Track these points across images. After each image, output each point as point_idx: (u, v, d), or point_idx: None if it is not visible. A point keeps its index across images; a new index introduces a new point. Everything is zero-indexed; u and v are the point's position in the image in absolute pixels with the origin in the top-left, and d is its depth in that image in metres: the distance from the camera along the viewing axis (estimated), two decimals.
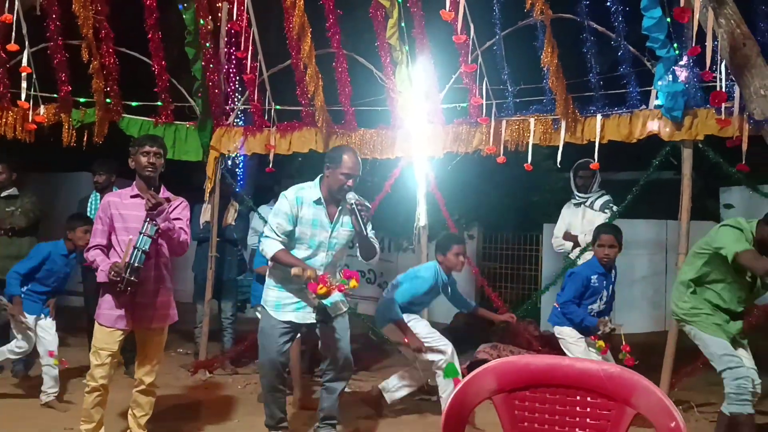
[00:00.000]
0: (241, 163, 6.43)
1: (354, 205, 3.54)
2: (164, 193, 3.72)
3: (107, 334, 3.58)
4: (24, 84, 5.32)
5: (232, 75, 5.70)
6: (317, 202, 3.69)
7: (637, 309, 8.19)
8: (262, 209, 6.28)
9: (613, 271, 4.59)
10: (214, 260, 5.94)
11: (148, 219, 3.44)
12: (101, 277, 3.51)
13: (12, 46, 4.89)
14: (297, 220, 3.65)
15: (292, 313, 3.75)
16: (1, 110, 5.47)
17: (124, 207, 3.62)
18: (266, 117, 5.80)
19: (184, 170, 6.39)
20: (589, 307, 4.49)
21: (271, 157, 5.79)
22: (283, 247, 3.63)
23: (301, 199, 3.67)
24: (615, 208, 5.39)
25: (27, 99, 5.43)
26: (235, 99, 5.92)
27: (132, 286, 3.42)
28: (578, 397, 1.66)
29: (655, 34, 4.39)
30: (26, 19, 5.13)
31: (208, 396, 5.31)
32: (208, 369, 5.84)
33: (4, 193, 5.48)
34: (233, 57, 5.66)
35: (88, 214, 5.71)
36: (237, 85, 5.79)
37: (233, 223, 6.18)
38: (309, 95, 5.41)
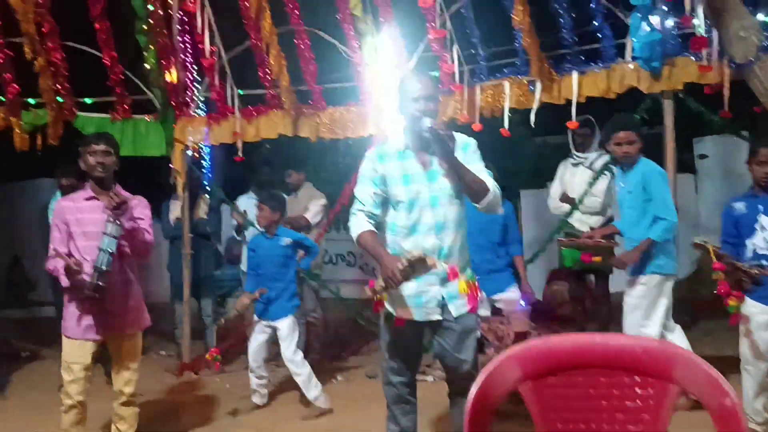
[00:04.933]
0: (207, 154, 6.14)
1: (431, 131, 2.78)
2: (121, 192, 3.49)
3: (77, 347, 3.41)
4: None
5: (189, 62, 5.38)
6: (402, 152, 2.96)
7: None
8: (240, 200, 6.05)
9: None
10: (189, 257, 5.69)
11: (111, 219, 3.23)
12: (64, 281, 3.30)
13: None
14: (384, 180, 2.97)
15: (412, 308, 2.98)
16: None
17: (79, 211, 3.43)
18: (230, 103, 5.52)
19: (144, 166, 6.12)
20: (750, 242, 3.52)
21: (239, 145, 5.53)
22: (369, 227, 2.90)
23: (383, 153, 2.98)
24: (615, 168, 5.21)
25: None
26: (195, 87, 5.62)
27: (100, 291, 3.23)
28: (614, 378, 1.49)
29: None
30: None
31: (196, 398, 5.14)
32: (193, 370, 5.63)
33: None
34: (188, 43, 5.35)
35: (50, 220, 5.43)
36: (195, 73, 5.48)
37: (205, 217, 5.95)
38: (273, 77, 5.15)
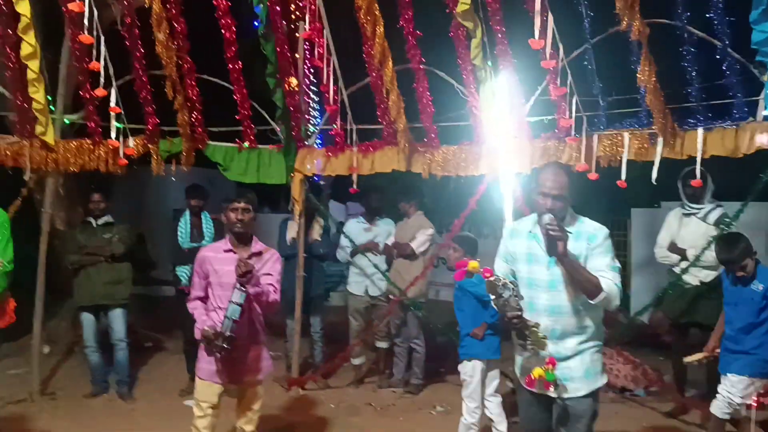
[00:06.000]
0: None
1: (546, 228, 2.88)
2: (256, 245, 3.79)
3: (206, 387, 3.72)
4: (113, 122, 5.45)
5: (312, 99, 5.65)
6: (532, 233, 3.09)
7: None
8: (349, 224, 6.32)
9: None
10: (302, 279, 6.01)
11: (237, 286, 3.45)
12: (197, 334, 3.63)
13: (101, 91, 5.00)
14: (512, 257, 3.14)
15: (522, 376, 3.16)
16: (94, 145, 5.62)
17: (218, 262, 3.71)
18: (347, 139, 5.75)
19: (268, 188, 6.45)
20: None
21: (354, 178, 5.76)
22: None
23: (515, 230, 3.15)
24: (732, 223, 5.05)
25: (117, 134, 5.57)
26: (315, 121, 5.88)
27: (224, 352, 3.48)
28: None
29: (766, 49, 4.04)
30: (109, 49, 5.19)
31: (303, 417, 5.43)
32: (301, 385, 5.98)
33: (100, 221, 5.69)
34: (312, 79, 5.61)
35: (179, 231, 5.90)
36: (317, 108, 5.73)
37: (319, 239, 6.24)
38: (391, 118, 5.30)
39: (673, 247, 5.29)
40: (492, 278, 2.85)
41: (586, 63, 4.83)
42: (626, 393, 5.84)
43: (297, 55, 5.31)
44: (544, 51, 4.39)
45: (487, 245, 9.69)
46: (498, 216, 6.18)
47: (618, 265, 3.02)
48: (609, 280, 2.92)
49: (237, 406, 3.89)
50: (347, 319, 6.47)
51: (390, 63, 5.08)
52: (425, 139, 5.55)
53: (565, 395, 3.01)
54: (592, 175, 5.08)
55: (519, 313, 2.85)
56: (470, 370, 4.42)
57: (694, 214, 5.22)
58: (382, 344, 6.34)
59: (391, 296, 6.02)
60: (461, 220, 5.76)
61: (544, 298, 3.00)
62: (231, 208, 3.71)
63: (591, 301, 2.93)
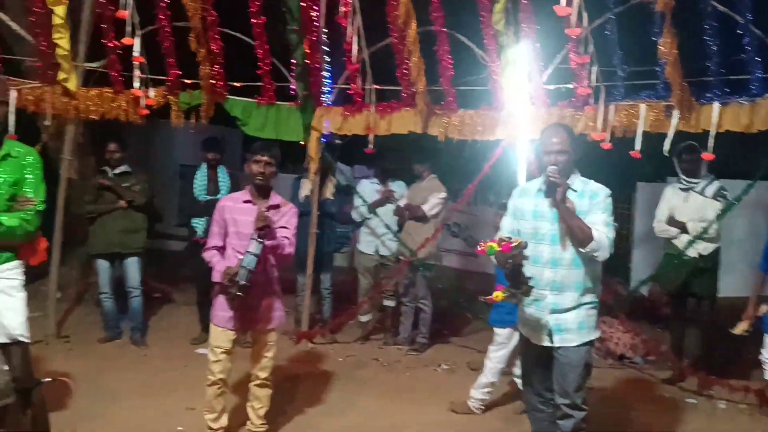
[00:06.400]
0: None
1: (548, 178, 3.18)
2: (274, 198, 3.87)
3: (220, 333, 3.83)
4: (136, 72, 5.49)
5: (331, 58, 5.68)
6: (539, 190, 3.34)
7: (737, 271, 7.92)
8: (363, 184, 6.40)
9: None
10: (315, 236, 6.12)
11: (254, 237, 3.55)
12: (216, 276, 3.75)
13: (127, 40, 5.04)
14: (517, 213, 3.41)
15: (522, 327, 3.50)
16: (115, 95, 5.66)
17: (236, 211, 3.81)
18: (366, 99, 5.79)
19: (282, 144, 6.50)
20: None
21: (370, 138, 5.82)
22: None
23: (524, 189, 3.43)
24: (729, 195, 5.18)
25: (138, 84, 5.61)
26: (334, 81, 5.91)
27: (239, 299, 3.59)
28: None
29: None
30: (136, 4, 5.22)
31: (311, 368, 5.58)
32: (310, 339, 6.13)
33: (117, 171, 5.77)
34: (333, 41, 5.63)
35: (195, 183, 5.99)
36: (337, 68, 5.77)
37: (331, 198, 6.34)
38: (411, 80, 5.35)
39: (671, 221, 5.43)
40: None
41: (608, 33, 4.86)
42: (625, 360, 6.02)
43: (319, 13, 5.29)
44: (569, 18, 4.42)
45: (493, 212, 9.82)
46: (506, 183, 6.29)
47: (613, 222, 3.24)
48: (601, 232, 3.15)
49: (251, 353, 4.00)
50: (351, 279, 6.59)
51: (414, 24, 5.10)
52: (443, 103, 5.61)
53: (559, 344, 3.27)
54: (606, 145, 5.16)
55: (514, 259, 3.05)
56: (507, 336, 4.56)
57: (691, 188, 5.36)
58: (390, 303, 6.49)
59: (401, 257, 6.15)
60: (474, 185, 5.86)
61: (547, 252, 3.25)
62: (254, 160, 3.79)
63: (581, 249, 3.17)
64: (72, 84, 5.44)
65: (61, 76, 5.38)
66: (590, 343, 3.32)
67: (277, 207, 3.83)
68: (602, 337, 5.98)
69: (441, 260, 6.73)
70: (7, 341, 3.17)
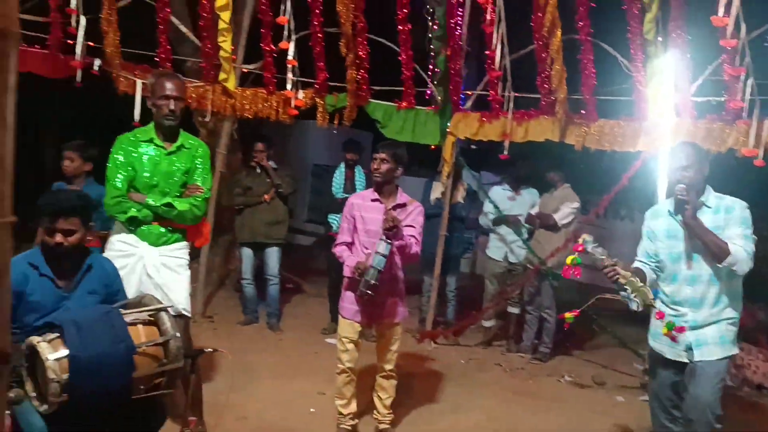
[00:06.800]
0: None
1: (676, 196, 3.22)
2: (401, 196, 3.99)
3: (348, 325, 4.00)
4: (289, 75, 5.87)
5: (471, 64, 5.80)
6: (670, 211, 3.38)
7: None
8: (494, 191, 6.45)
9: None
10: (444, 238, 6.25)
11: (383, 238, 3.67)
12: (347, 271, 3.92)
13: (284, 44, 5.41)
14: (653, 234, 3.45)
15: (656, 343, 3.47)
16: (268, 95, 6.08)
17: (364, 209, 3.95)
18: (504, 106, 5.86)
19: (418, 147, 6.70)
20: None
21: (506, 144, 5.87)
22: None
23: (655, 211, 3.50)
24: None
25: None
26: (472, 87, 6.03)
27: (367, 296, 3.71)
28: None
29: None
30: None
31: (433, 367, 5.70)
32: (432, 339, 6.26)
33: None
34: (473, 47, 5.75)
35: (334, 182, 6.32)
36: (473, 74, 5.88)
37: (462, 202, 6.45)
38: (552, 88, 5.36)
39: None
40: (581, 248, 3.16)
41: (767, 44, 4.65)
42: (764, 390, 5.68)
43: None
44: (725, 29, 4.28)
45: (623, 227, 9.58)
46: (638, 196, 6.08)
47: (752, 235, 3.18)
48: (738, 246, 3.11)
49: (377, 347, 4.17)
50: (473, 284, 6.64)
51: (558, 32, 5.12)
52: (582, 111, 5.56)
53: (699, 358, 3.23)
54: (759, 162, 4.92)
55: (611, 265, 3.11)
56: None
57: None
58: (514, 310, 6.51)
59: (529, 265, 6.15)
60: (611, 196, 5.76)
61: (684, 269, 3.29)
62: (372, 157, 3.97)
63: (718, 264, 3.15)
64: (231, 84, 5.91)
65: (222, 76, 5.86)
66: (730, 358, 3.30)
67: (403, 206, 3.95)
68: (739, 364, 5.70)
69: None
70: (173, 314, 3.53)
